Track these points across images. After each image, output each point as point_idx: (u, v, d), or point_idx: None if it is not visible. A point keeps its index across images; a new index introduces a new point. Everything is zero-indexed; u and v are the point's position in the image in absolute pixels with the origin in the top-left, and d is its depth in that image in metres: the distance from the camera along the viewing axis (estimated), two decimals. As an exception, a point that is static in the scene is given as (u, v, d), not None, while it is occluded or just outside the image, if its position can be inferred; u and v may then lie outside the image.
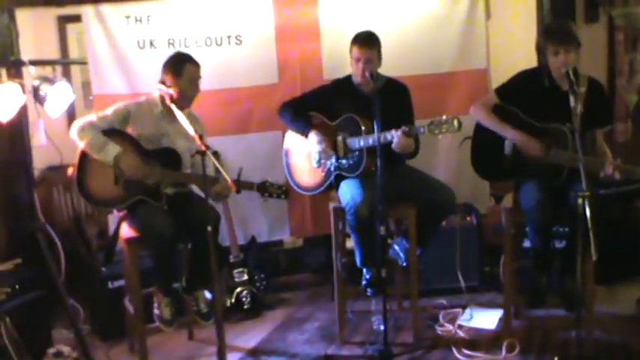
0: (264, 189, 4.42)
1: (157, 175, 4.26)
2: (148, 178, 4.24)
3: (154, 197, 4.27)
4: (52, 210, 5.48)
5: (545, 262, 4.36)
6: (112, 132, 4.26)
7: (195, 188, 4.58)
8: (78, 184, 4.22)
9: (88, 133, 4.17)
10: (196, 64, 4.42)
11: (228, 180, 3.69)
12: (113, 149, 4.17)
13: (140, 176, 4.22)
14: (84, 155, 4.21)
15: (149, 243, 4.18)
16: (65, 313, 4.54)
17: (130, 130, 4.33)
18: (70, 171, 4.24)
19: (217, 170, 3.98)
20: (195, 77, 4.39)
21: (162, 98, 4.38)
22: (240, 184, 4.17)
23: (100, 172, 4.21)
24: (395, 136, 4.19)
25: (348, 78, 4.68)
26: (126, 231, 4.34)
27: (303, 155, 4.75)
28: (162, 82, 4.35)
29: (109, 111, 4.32)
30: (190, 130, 3.96)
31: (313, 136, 4.56)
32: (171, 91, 4.20)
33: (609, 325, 4.60)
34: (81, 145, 4.19)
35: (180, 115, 4.06)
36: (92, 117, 4.28)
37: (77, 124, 4.23)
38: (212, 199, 4.24)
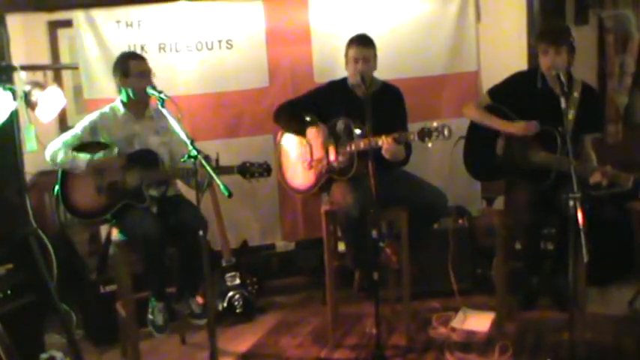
0: (245, 170, 4.41)
1: (136, 177, 4.27)
2: (127, 180, 4.27)
3: (137, 199, 4.28)
4: (44, 215, 5.46)
5: (536, 264, 4.38)
6: (87, 145, 4.31)
7: (184, 190, 4.58)
8: (63, 202, 4.26)
9: (58, 154, 4.24)
10: (140, 58, 4.44)
11: (221, 185, 3.68)
12: (82, 159, 4.22)
13: (118, 166, 4.25)
14: (64, 173, 4.28)
15: (137, 248, 4.19)
16: (57, 318, 4.52)
17: (102, 140, 4.36)
18: (55, 190, 4.28)
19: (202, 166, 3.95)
20: (143, 70, 4.37)
21: (122, 102, 4.42)
22: (220, 170, 4.15)
23: (81, 185, 4.27)
24: (384, 142, 4.17)
25: (344, 80, 4.70)
26: (117, 235, 4.34)
27: (295, 157, 4.75)
28: (119, 88, 4.42)
29: (77, 128, 4.37)
30: (182, 133, 3.95)
31: (311, 131, 4.55)
32: (162, 95, 4.17)
33: (601, 327, 4.60)
34: (56, 165, 4.26)
35: (170, 119, 4.05)
36: (64, 137, 4.33)
37: (50, 148, 4.29)
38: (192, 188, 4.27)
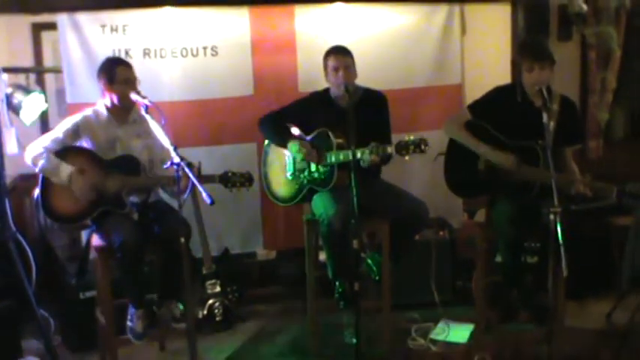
0: (227, 179, 4.41)
1: (117, 183, 4.25)
2: (105, 190, 4.23)
3: (116, 206, 4.26)
4: (24, 219, 5.42)
5: (516, 277, 4.39)
6: (69, 149, 4.27)
7: (166, 197, 4.57)
8: (43, 206, 4.22)
9: (40, 158, 4.18)
10: (126, 65, 4.40)
11: (203, 192, 3.68)
12: (65, 171, 4.17)
13: (89, 197, 4.21)
14: (45, 176, 4.23)
15: (115, 255, 4.14)
16: (35, 324, 4.48)
17: (84, 143, 4.33)
18: (35, 193, 4.23)
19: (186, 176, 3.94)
20: (129, 78, 4.34)
21: (105, 106, 4.38)
22: (202, 178, 4.11)
23: (61, 190, 4.21)
24: (364, 156, 4.17)
25: (326, 91, 4.70)
26: (97, 241, 4.31)
27: (279, 167, 4.75)
28: (102, 92, 4.38)
29: (58, 131, 4.31)
30: (165, 140, 3.95)
31: (293, 145, 4.52)
32: (146, 101, 4.15)
33: (579, 340, 4.64)
34: (37, 170, 4.21)
35: (153, 124, 4.05)
36: (44, 140, 4.27)
37: (30, 150, 4.23)
38: (172, 197, 4.29)
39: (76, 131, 4.31)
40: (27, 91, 4.76)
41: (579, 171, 4.35)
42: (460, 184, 4.61)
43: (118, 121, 4.40)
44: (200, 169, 4.24)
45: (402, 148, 4.10)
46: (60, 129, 4.31)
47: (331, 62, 4.55)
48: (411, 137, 4.10)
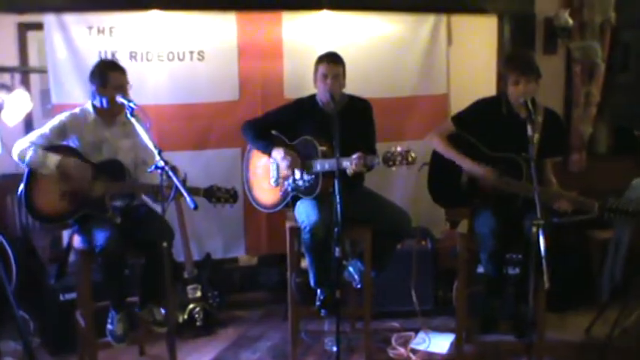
0: (212, 194, 4.39)
1: (102, 186, 4.23)
2: (92, 190, 4.21)
3: (99, 210, 4.24)
4: (5, 218, 5.40)
5: (498, 289, 4.40)
6: (56, 148, 4.23)
7: (149, 202, 4.55)
8: (26, 203, 4.19)
9: (28, 153, 4.15)
10: (120, 71, 4.35)
11: (187, 197, 3.67)
12: (53, 159, 4.14)
13: (88, 177, 4.19)
14: (30, 174, 4.19)
15: (96, 258, 4.11)
16: (14, 325, 4.45)
17: (71, 142, 4.30)
18: (19, 191, 4.21)
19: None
20: (121, 83, 4.30)
21: (94, 107, 4.35)
22: (187, 190, 4.11)
23: (46, 189, 4.19)
24: (351, 164, 4.18)
25: (312, 98, 4.69)
26: (79, 243, 4.28)
27: (262, 173, 4.74)
28: (93, 94, 4.34)
29: (46, 128, 4.28)
30: (150, 143, 3.93)
31: (277, 153, 4.54)
32: (132, 104, 4.14)
33: (559, 352, 4.66)
34: (23, 165, 4.18)
35: (139, 129, 4.04)
36: (32, 136, 4.24)
37: (18, 146, 4.20)
38: (156, 202, 4.28)
39: (63, 129, 4.28)
40: (11, 90, 4.73)
41: (562, 184, 4.37)
42: (443, 195, 4.62)
43: (106, 122, 4.37)
44: (185, 180, 4.22)
45: (389, 159, 4.10)
46: (47, 126, 4.28)
47: (321, 69, 4.55)
48: (398, 149, 4.10)
